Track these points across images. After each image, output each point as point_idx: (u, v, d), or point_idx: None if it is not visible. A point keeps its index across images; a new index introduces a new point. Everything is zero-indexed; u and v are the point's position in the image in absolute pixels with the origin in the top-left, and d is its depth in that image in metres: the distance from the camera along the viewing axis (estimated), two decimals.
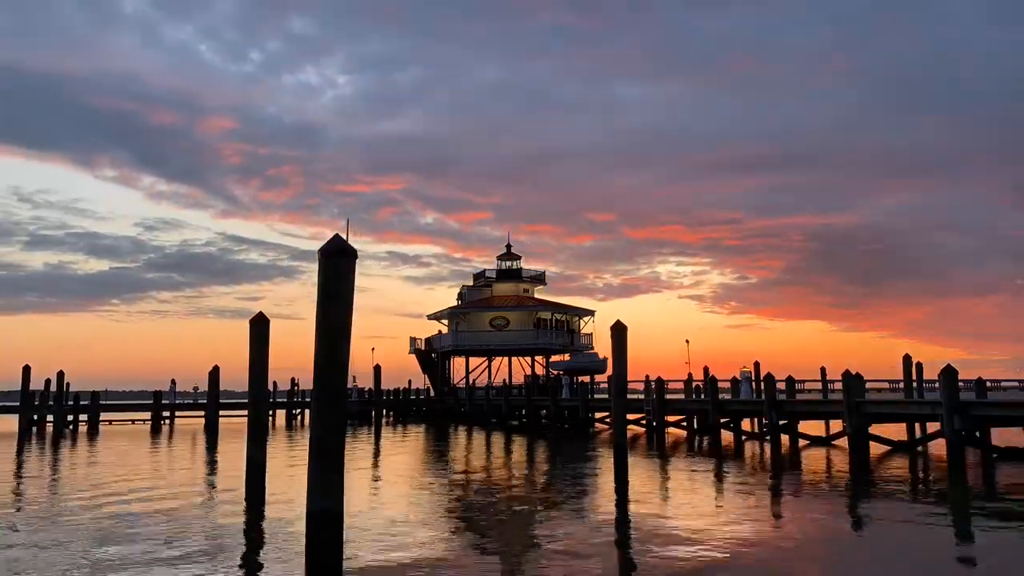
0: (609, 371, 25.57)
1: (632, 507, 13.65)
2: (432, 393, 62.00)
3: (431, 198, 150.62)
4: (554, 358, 59.67)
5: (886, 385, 47.70)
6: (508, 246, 66.01)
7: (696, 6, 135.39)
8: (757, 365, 38.98)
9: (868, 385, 36.66)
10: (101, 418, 48.82)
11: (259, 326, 14.98)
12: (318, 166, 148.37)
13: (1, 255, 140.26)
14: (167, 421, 50.53)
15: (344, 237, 8.27)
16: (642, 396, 38.17)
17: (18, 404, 41.87)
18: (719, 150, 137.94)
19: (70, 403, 47.18)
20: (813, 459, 22.39)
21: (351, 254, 8.10)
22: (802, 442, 27.11)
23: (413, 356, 64.42)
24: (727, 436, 30.08)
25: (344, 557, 8.19)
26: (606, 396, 39.30)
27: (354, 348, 8.19)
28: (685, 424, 34.64)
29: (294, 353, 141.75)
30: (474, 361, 64.10)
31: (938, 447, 23.04)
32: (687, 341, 51.97)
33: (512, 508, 14.03)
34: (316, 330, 7.96)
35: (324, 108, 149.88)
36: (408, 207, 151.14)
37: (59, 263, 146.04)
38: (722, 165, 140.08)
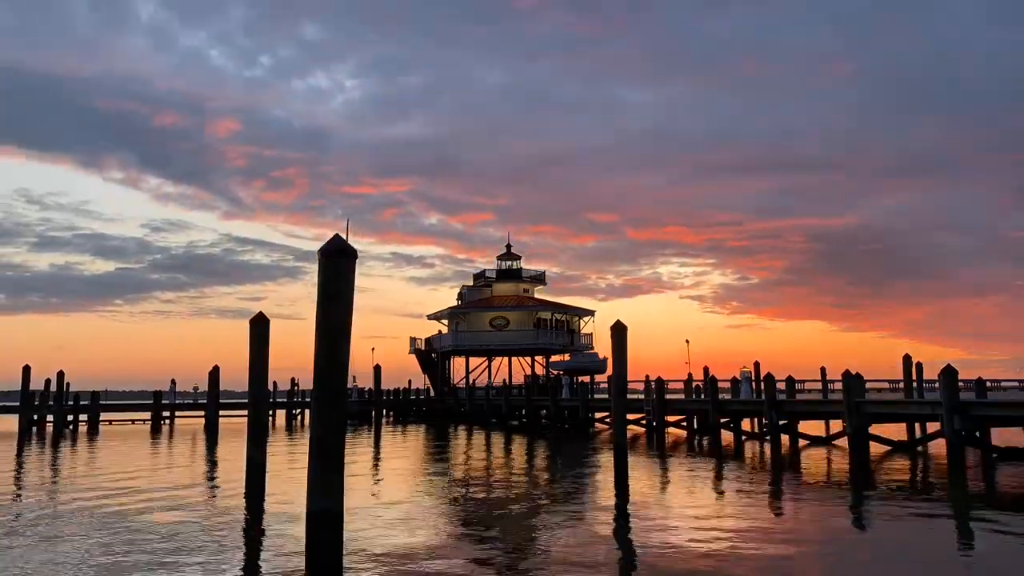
0: (609, 371, 25.55)
1: (632, 507, 13.65)
2: (432, 393, 61.99)
3: (435, 200, 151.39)
4: (554, 358, 59.66)
5: (886, 385, 47.71)
6: (508, 246, 66.04)
7: (697, 8, 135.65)
8: (757, 365, 39.00)
9: (868, 385, 36.64)
10: (101, 418, 48.80)
11: (259, 326, 14.97)
12: (324, 168, 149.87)
13: (8, 256, 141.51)
14: (167, 421, 50.52)
15: (344, 237, 8.26)
16: (642, 396, 38.16)
17: (18, 404, 41.86)
18: (721, 151, 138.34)
19: (70, 403, 47.15)
20: (813, 459, 22.39)
21: (351, 254, 8.10)
22: (802, 442, 27.11)
23: (413, 356, 64.46)
24: (727, 436, 30.07)
25: (344, 557, 8.19)
26: (606, 396, 39.30)
27: (354, 348, 8.19)
28: (685, 424, 34.63)
29: (294, 353, 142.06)
30: (474, 361, 64.16)
31: (938, 447, 23.04)
32: (687, 341, 52.08)
33: (512, 508, 14.03)
34: (316, 330, 7.95)
35: (333, 112, 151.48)
36: (412, 208, 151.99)
37: (66, 264, 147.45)
38: (724, 166, 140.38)
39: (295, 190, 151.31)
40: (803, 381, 41.11)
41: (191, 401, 57.17)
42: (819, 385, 42.59)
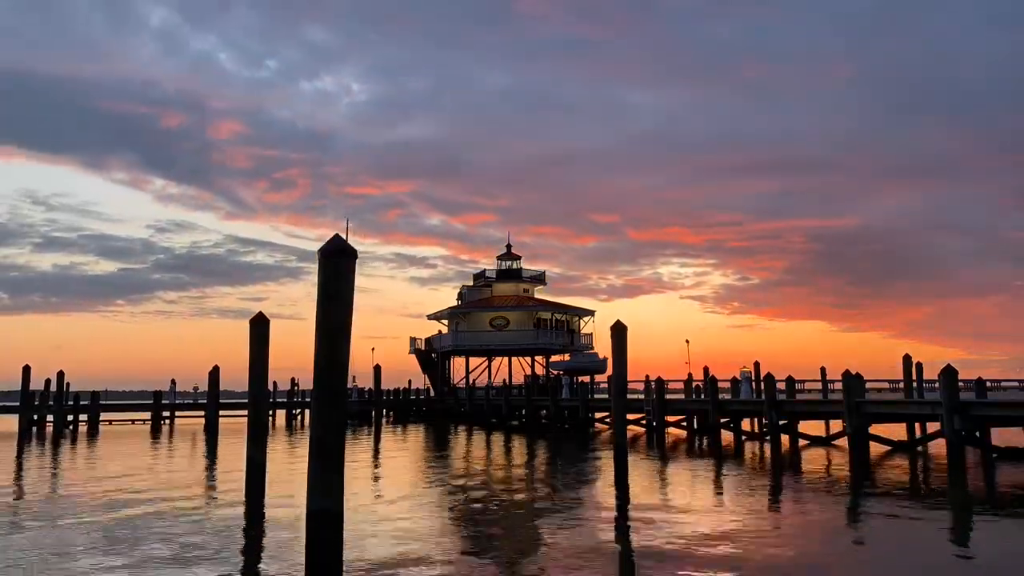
0: (609, 371, 25.56)
1: (632, 507, 13.65)
2: (432, 393, 61.98)
3: (437, 201, 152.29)
4: (554, 358, 59.65)
5: (886, 385, 47.71)
6: (508, 246, 66.03)
7: (698, 12, 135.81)
8: (757, 365, 38.98)
9: (868, 385, 36.65)
10: (101, 418, 48.81)
11: (259, 326, 14.96)
12: (327, 169, 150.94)
13: (12, 256, 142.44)
14: (167, 421, 50.53)
15: (344, 237, 8.26)
16: (642, 396, 38.16)
17: (18, 404, 41.85)
18: (722, 153, 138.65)
19: (70, 403, 47.16)
20: (813, 459, 22.38)
21: (351, 254, 8.09)
22: (802, 442, 27.11)
23: (413, 356, 64.45)
24: (727, 436, 30.07)
25: (344, 557, 8.19)
26: (606, 396, 39.30)
27: (354, 348, 8.18)
28: (685, 424, 34.64)
29: (294, 353, 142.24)
30: (474, 361, 64.14)
31: (938, 447, 23.04)
32: (687, 341, 52.05)
33: (512, 508, 14.03)
34: (316, 330, 7.94)
35: (337, 113, 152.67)
36: (415, 209, 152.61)
37: (70, 264, 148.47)
38: (725, 167, 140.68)
39: (298, 191, 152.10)
40: (803, 381, 41.12)
41: (191, 401, 57.17)
42: (819, 385, 42.59)
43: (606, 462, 21.45)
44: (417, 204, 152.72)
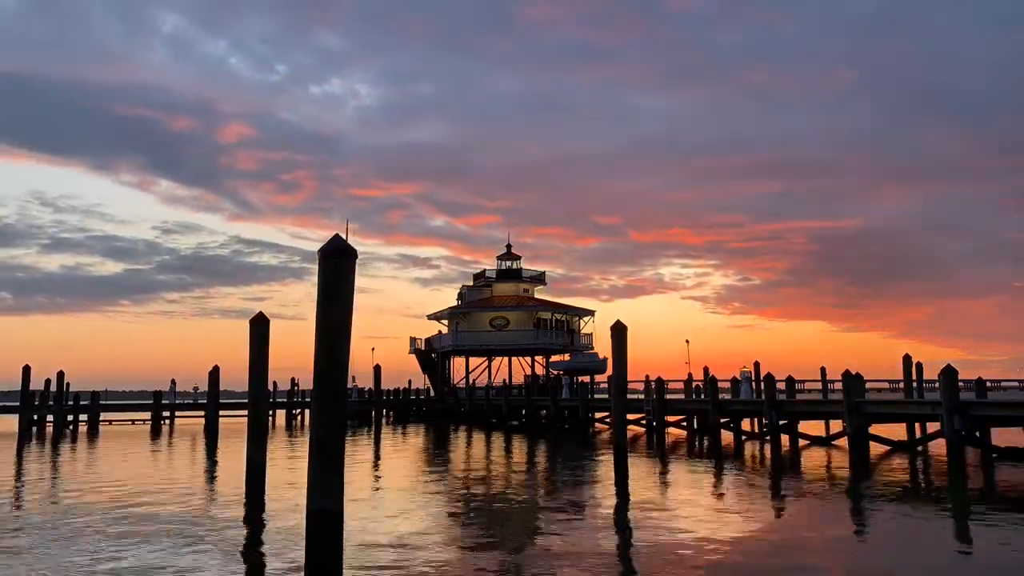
0: (609, 371, 25.56)
1: (632, 507, 13.65)
2: (432, 393, 61.96)
3: (441, 202, 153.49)
4: (554, 358, 59.62)
5: (886, 385, 47.67)
6: (508, 246, 66.00)
7: (703, 18, 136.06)
8: (757, 365, 38.95)
9: (868, 385, 36.63)
10: (101, 418, 48.80)
11: (259, 326, 14.96)
12: (333, 171, 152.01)
13: (19, 257, 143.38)
14: (167, 421, 50.51)
15: (344, 237, 8.26)
16: (642, 396, 38.15)
17: (18, 404, 41.84)
18: (723, 156, 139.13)
19: (70, 403, 47.15)
20: (813, 459, 22.38)
21: (351, 254, 8.09)
22: (802, 442, 27.10)
23: (413, 356, 64.43)
24: (727, 436, 30.07)
25: (344, 557, 8.19)
26: (606, 396, 39.28)
27: (354, 348, 8.18)
28: (685, 424, 34.63)
29: (294, 353, 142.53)
30: (474, 361, 64.09)
31: (938, 447, 23.04)
32: (687, 341, 51.97)
33: (512, 508, 14.03)
34: (316, 330, 7.94)
35: (344, 117, 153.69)
36: (419, 211, 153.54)
37: (76, 265, 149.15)
38: (727, 170, 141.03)
39: (304, 193, 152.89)
40: (803, 381, 41.08)
41: (191, 401, 57.15)
42: (819, 385, 42.57)
43: (606, 462, 21.45)
44: (421, 206, 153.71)
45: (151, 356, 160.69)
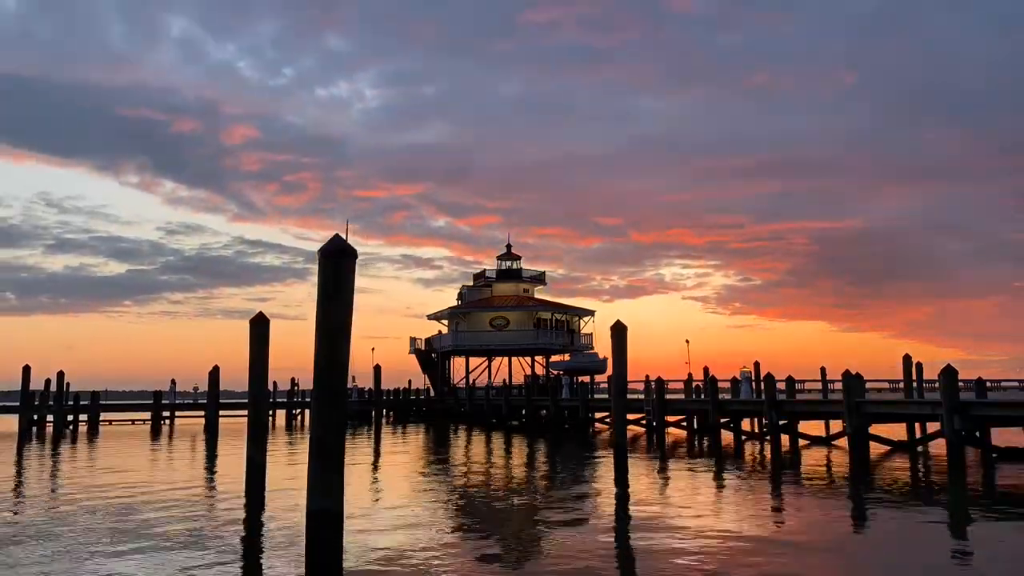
0: (609, 371, 25.55)
1: (632, 507, 13.65)
2: (432, 393, 61.95)
3: (444, 203, 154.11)
4: (554, 358, 59.61)
5: (886, 385, 47.65)
6: (508, 246, 65.98)
7: (705, 21, 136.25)
8: (757, 365, 38.96)
9: (868, 385, 36.62)
10: (101, 418, 48.80)
11: (259, 326, 14.97)
12: (337, 173, 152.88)
13: (23, 258, 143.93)
14: (167, 421, 50.50)
15: (344, 237, 8.26)
16: (642, 396, 38.14)
17: (18, 404, 41.83)
18: (725, 157, 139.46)
19: (70, 403, 47.14)
20: (813, 459, 22.38)
21: (351, 254, 8.09)
22: (802, 442, 27.10)
23: (413, 356, 64.42)
24: (727, 436, 30.06)
25: (344, 557, 8.19)
26: (606, 396, 39.27)
27: (354, 348, 8.19)
28: (685, 424, 34.62)
29: (294, 353, 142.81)
30: (474, 361, 64.09)
31: (938, 447, 23.04)
32: (687, 341, 51.95)
33: (512, 508, 14.03)
34: (316, 330, 7.95)
35: (349, 120, 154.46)
36: (421, 211, 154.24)
37: (80, 265, 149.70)
38: (728, 171, 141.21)
39: (307, 194, 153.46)
40: (803, 381, 41.07)
41: (191, 401, 57.16)
42: (819, 385, 42.56)
43: (606, 462, 21.45)
44: (424, 207, 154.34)
45: (152, 356, 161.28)
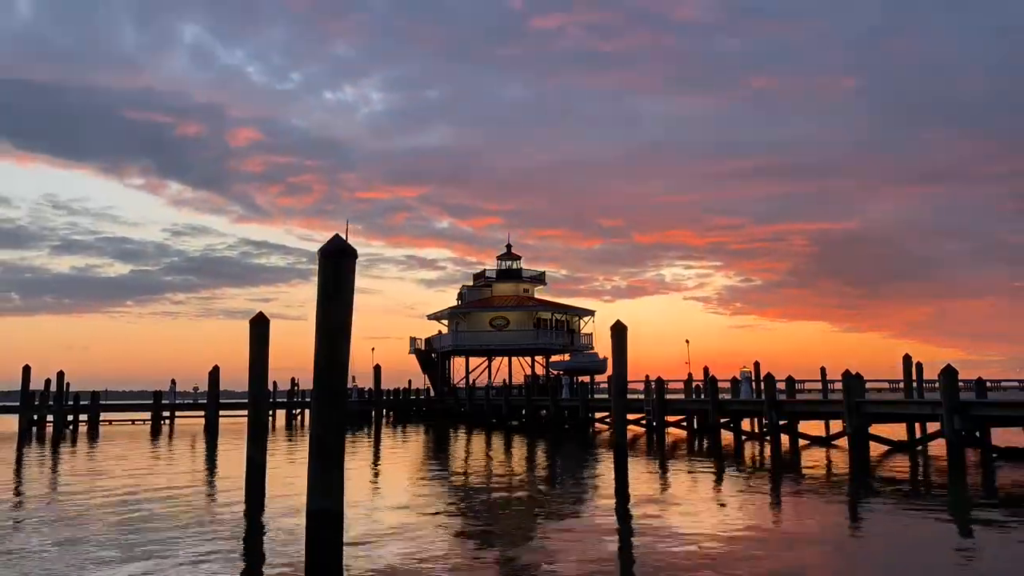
0: (609, 371, 25.55)
1: (632, 507, 13.65)
2: (432, 393, 61.95)
3: (446, 205, 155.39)
4: (554, 358, 59.60)
5: (886, 385, 47.62)
6: (508, 246, 65.96)
7: (708, 27, 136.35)
8: (757, 365, 38.93)
9: (868, 385, 36.61)
10: (101, 418, 48.76)
11: (259, 326, 14.96)
12: (341, 175, 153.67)
13: (29, 259, 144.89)
14: (167, 421, 50.47)
15: (344, 237, 8.26)
16: (642, 396, 38.13)
17: (18, 404, 41.82)
18: (726, 159, 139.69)
19: (70, 403, 47.12)
20: (813, 459, 22.38)
21: (351, 254, 8.09)
22: (802, 442, 27.10)
23: (413, 356, 64.41)
24: (727, 436, 30.06)
25: (344, 557, 8.19)
26: (606, 396, 39.26)
27: (354, 348, 8.19)
28: (685, 424, 34.61)
29: (294, 353, 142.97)
30: (474, 361, 64.09)
31: (938, 447, 23.03)
32: (687, 341, 51.81)
33: (512, 509, 14.03)
34: (316, 330, 7.94)
35: (356, 123, 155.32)
36: (423, 213, 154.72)
37: (85, 266, 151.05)
38: (728, 173, 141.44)
39: (311, 195, 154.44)
40: (803, 381, 41.04)
41: (191, 401, 57.13)
42: (819, 385, 42.54)
43: (606, 462, 21.45)
44: (426, 208, 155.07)
45: (153, 356, 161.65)
